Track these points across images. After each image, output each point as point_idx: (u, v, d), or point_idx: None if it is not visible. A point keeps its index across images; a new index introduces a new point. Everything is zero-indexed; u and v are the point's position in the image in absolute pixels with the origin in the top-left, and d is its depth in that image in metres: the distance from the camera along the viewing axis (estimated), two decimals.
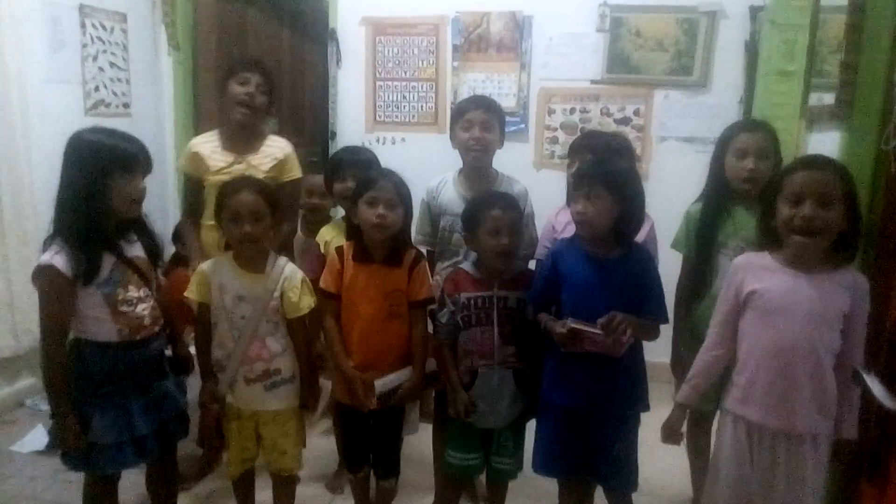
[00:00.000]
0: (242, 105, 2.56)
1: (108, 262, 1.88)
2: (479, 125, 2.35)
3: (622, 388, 1.99)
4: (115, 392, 1.90)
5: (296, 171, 2.72)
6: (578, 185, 1.98)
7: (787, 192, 1.67)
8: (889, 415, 0.99)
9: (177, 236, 3.77)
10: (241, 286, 2.07)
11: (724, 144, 2.26)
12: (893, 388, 0.98)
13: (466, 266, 2.18)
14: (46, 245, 1.85)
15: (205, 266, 2.13)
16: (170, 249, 3.79)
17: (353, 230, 2.18)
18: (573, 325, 1.89)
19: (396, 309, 2.14)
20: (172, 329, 2.13)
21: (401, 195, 2.11)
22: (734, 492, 1.76)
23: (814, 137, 2.57)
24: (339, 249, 2.19)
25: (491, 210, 2.07)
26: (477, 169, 2.42)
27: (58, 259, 1.80)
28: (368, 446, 2.26)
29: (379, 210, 2.06)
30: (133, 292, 1.93)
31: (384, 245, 2.13)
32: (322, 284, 2.17)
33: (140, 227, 2.02)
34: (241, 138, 2.61)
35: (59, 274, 1.79)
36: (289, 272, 2.12)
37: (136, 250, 1.99)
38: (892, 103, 1.91)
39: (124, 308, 1.91)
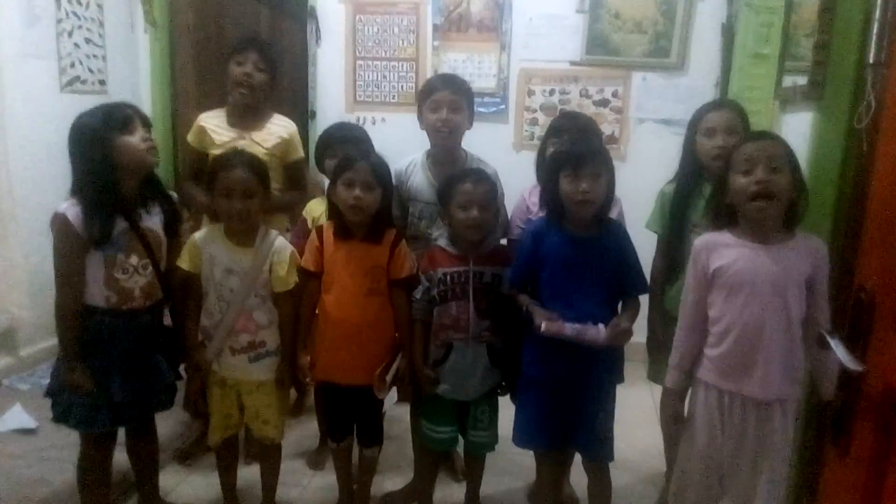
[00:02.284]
0: (241, 86, 2.57)
1: (119, 226, 1.93)
2: (447, 106, 2.32)
3: (601, 360, 2.03)
4: (97, 356, 1.94)
5: (300, 152, 2.75)
6: (581, 165, 1.96)
7: (738, 164, 1.74)
8: (852, 378, 1.03)
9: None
10: (231, 259, 2.09)
11: (694, 125, 2.30)
12: (856, 350, 1.02)
13: (442, 242, 2.21)
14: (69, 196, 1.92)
15: (196, 236, 2.15)
16: None
17: (333, 209, 2.19)
18: (550, 330, 1.93)
19: (376, 286, 2.16)
20: (176, 313, 2.16)
21: (378, 176, 2.12)
22: (705, 457, 1.81)
23: (787, 118, 2.62)
24: (319, 229, 2.21)
25: (462, 184, 2.11)
26: (445, 151, 2.41)
27: (71, 211, 1.87)
28: (351, 418, 2.29)
29: (355, 192, 2.08)
30: (133, 261, 1.96)
31: (364, 223, 2.15)
32: (302, 263, 2.18)
33: (158, 195, 2.06)
34: (246, 116, 2.63)
35: (70, 225, 1.86)
36: (278, 246, 2.14)
37: (152, 223, 2.03)
38: (863, 83, 1.96)
39: (118, 274, 1.94)
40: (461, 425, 2.26)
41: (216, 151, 2.55)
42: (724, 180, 1.78)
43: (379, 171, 2.13)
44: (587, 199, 1.96)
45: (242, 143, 2.54)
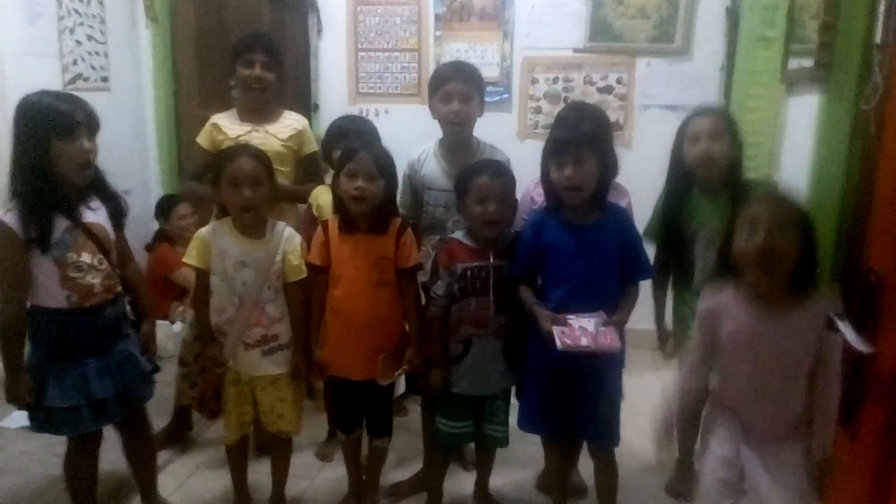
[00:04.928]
0: (252, 90, 2.58)
1: (61, 225, 1.87)
2: (458, 97, 2.31)
3: None
4: (69, 357, 1.91)
5: (314, 144, 2.74)
6: (563, 151, 1.96)
7: (742, 223, 1.62)
8: (861, 360, 1.03)
9: (159, 213, 3.76)
10: (243, 252, 2.09)
11: (680, 134, 2.30)
12: (866, 333, 1.01)
13: (459, 236, 2.17)
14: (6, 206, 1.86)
15: (204, 232, 2.14)
16: (153, 226, 3.80)
17: (338, 201, 2.18)
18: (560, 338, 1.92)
19: (384, 277, 2.15)
20: (137, 306, 2.13)
21: (381, 166, 2.10)
22: (725, 458, 1.73)
23: (793, 101, 2.60)
24: (324, 223, 2.20)
25: (479, 177, 2.07)
26: (458, 141, 2.40)
27: (9, 217, 1.81)
28: (360, 410, 2.29)
29: (358, 182, 2.06)
30: (85, 258, 1.91)
31: (368, 215, 2.13)
32: (308, 258, 2.18)
33: (101, 191, 2.00)
34: (258, 113, 2.64)
35: (10, 231, 1.80)
36: (288, 235, 2.15)
37: (97, 217, 1.97)
38: (870, 63, 1.94)
39: (73, 273, 1.89)
40: (476, 419, 2.23)
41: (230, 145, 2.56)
42: (731, 232, 1.67)
43: (381, 162, 2.12)
44: (572, 186, 1.95)
45: (258, 136, 2.56)
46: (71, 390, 1.91)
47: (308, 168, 2.73)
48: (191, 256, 2.11)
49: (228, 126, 2.61)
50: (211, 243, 2.10)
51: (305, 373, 2.22)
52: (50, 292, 1.88)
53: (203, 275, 2.12)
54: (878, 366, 1.01)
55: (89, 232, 1.92)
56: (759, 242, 1.54)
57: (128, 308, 2.10)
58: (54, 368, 1.90)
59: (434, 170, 2.42)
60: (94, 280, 1.93)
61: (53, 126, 1.80)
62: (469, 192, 2.07)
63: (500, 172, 2.11)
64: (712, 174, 2.22)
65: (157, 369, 2.17)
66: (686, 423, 1.89)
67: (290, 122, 2.67)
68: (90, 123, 1.88)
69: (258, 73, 2.55)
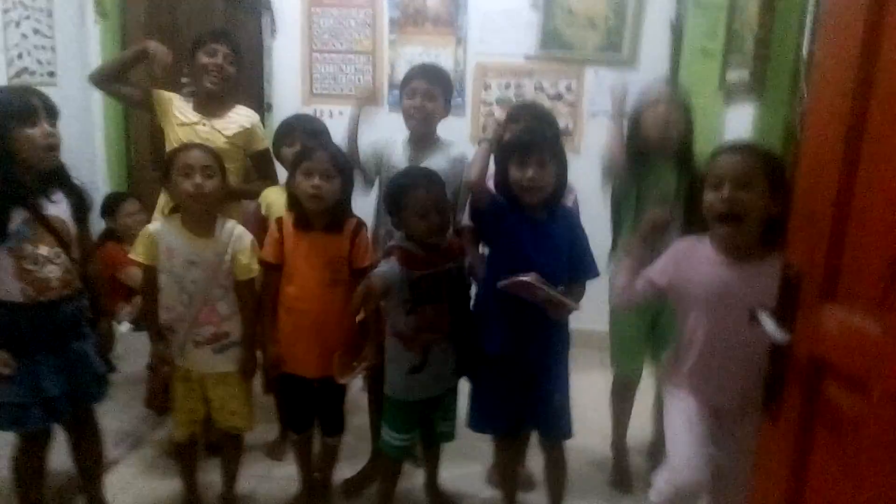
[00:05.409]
0: (211, 75, 2.59)
1: (18, 216, 1.85)
2: (422, 94, 2.42)
3: (552, 337, 2.08)
4: (20, 352, 1.88)
5: (265, 142, 2.75)
6: (527, 152, 2.00)
7: (710, 178, 1.65)
8: (780, 350, 1.11)
9: (105, 211, 3.70)
10: (192, 251, 2.08)
11: (638, 104, 2.42)
12: (785, 324, 1.09)
13: (404, 243, 2.10)
14: None
15: (151, 228, 2.12)
16: (100, 224, 3.73)
17: (293, 199, 2.18)
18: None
19: (338, 276, 2.17)
20: (96, 304, 2.10)
21: (338, 165, 2.13)
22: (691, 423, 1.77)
23: (731, 111, 2.73)
24: (279, 220, 2.20)
25: (415, 191, 2.03)
26: (418, 135, 2.50)
27: None
28: (311, 409, 2.30)
29: (315, 181, 2.08)
30: (42, 251, 1.89)
31: (323, 214, 2.15)
32: (262, 255, 2.18)
33: (65, 184, 1.98)
34: (210, 105, 2.65)
35: None
36: (238, 234, 2.15)
37: (58, 210, 1.94)
38: (799, 77, 2.06)
39: (29, 266, 1.87)
40: (423, 419, 2.24)
41: (175, 128, 2.59)
42: (699, 188, 1.70)
43: (338, 161, 2.14)
44: (533, 187, 2.01)
45: (203, 130, 2.57)
46: (21, 386, 1.88)
47: (259, 165, 2.74)
48: (137, 252, 2.09)
49: (181, 109, 2.63)
50: (158, 240, 2.08)
51: (253, 370, 2.21)
52: (4, 284, 1.85)
53: (150, 271, 2.11)
54: (795, 354, 1.09)
55: (48, 224, 1.90)
56: (724, 195, 1.58)
57: (86, 306, 2.07)
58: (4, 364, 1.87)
59: (400, 156, 2.50)
60: (51, 274, 1.90)
61: (13, 113, 1.80)
62: (407, 207, 2.04)
63: (434, 181, 2.08)
64: (667, 137, 2.32)
65: (113, 369, 2.16)
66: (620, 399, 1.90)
67: (238, 119, 2.67)
68: (48, 109, 1.89)
69: (220, 62, 2.58)
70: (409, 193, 2.04)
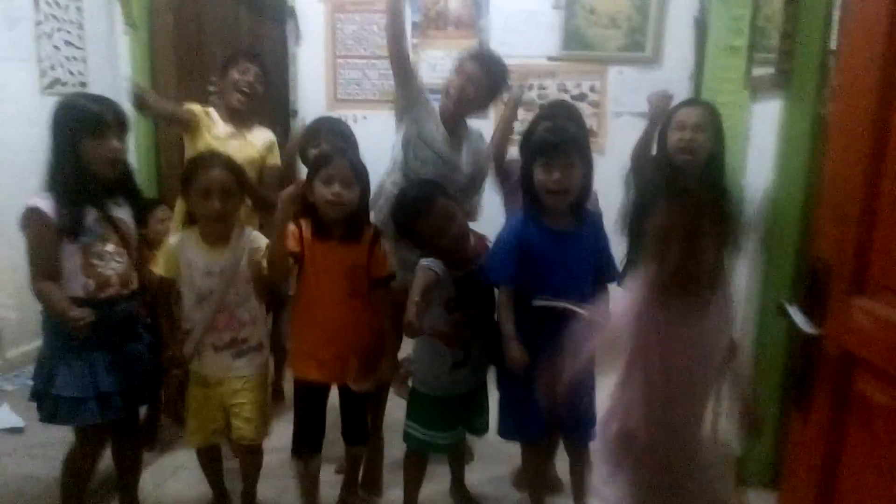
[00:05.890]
0: (241, 92, 2.69)
1: (91, 215, 1.94)
2: (469, 77, 2.35)
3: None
4: (81, 347, 1.92)
5: (279, 159, 2.82)
6: (553, 154, 1.95)
7: (653, 232, 1.49)
8: (808, 343, 1.09)
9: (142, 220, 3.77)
10: (209, 262, 2.07)
11: (666, 122, 2.37)
12: (814, 317, 1.08)
13: (432, 265, 2.04)
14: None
15: (172, 242, 2.14)
16: None
17: (309, 207, 2.09)
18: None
19: (357, 286, 2.11)
20: (152, 307, 2.16)
21: (357, 173, 2.08)
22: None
23: (757, 107, 2.69)
24: (297, 221, 2.11)
25: (426, 216, 2.01)
26: (446, 115, 2.42)
27: (44, 203, 1.87)
28: (323, 426, 2.22)
29: (335, 188, 2.02)
30: (109, 248, 1.96)
31: (342, 221, 2.09)
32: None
33: (128, 192, 2.06)
34: (238, 119, 2.74)
35: (45, 216, 1.86)
36: (253, 237, 2.13)
37: (122, 213, 2.02)
38: (826, 71, 2.04)
39: (95, 261, 1.94)
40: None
41: (206, 141, 2.65)
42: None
43: (357, 168, 2.09)
44: (560, 189, 1.96)
45: (235, 144, 2.65)
46: (80, 381, 1.93)
47: (271, 180, 2.78)
48: (158, 265, 2.12)
49: (215, 121, 2.72)
50: (178, 254, 2.09)
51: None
52: (70, 280, 1.92)
53: (167, 283, 2.12)
54: (826, 348, 1.08)
55: (115, 224, 1.98)
56: (674, 261, 1.43)
57: (141, 307, 2.13)
58: (65, 358, 1.92)
59: (434, 130, 2.41)
60: (113, 271, 1.97)
61: (84, 126, 1.89)
62: (422, 233, 2.04)
63: (436, 192, 2.07)
64: (692, 162, 2.28)
65: (163, 371, 2.18)
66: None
67: (263, 134, 2.80)
68: (120, 124, 1.96)
69: (251, 80, 2.69)
70: (420, 221, 2.03)
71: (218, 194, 2.01)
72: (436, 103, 2.48)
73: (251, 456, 2.26)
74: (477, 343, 2.13)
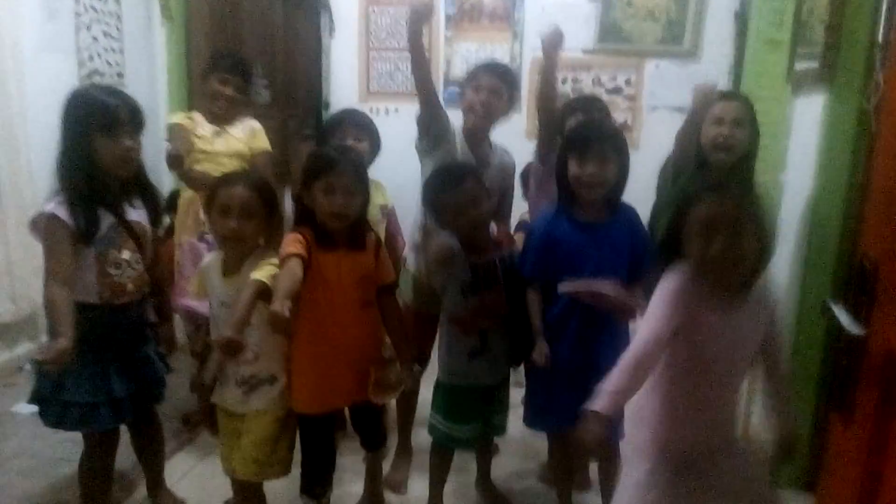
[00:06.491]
0: (219, 102, 2.75)
1: (106, 220, 1.88)
2: (488, 89, 2.34)
3: (610, 343, 2.04)
4: (92, 352, 1.87)
5: (266, 144, 2.86)
6: (588, 147, 1.95)
7: (699, 225, 1.50)
8: (853, 343, 1.05)
9: (170, 206, 3.81)
10: (223, 291, 1.95)
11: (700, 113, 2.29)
12: (859, 317, 1.04)
13: (448, 238, 2.08)
14: (51, 197, 1.85)
15: (204, 263, 2.06)
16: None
17: (306, 214, 1.96)
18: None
19: (368, 295, 2.02)
20: (162, 303, 2.14)
21: (360, 180, 1.96)
22: None
23: (798, 102, 2.62)
24: (303, 233, 1.95)
25: (451, 191, 2.03)
26: (474, 131, 2.41)
27: (60, 209, 1.80)
28: (334, 461, 2.11)
29: (338, 200, 1.89)
30: (125, 255, 1.92)
31: (345, 230, 1.97)
32: (293, 249, 1.84)
33: (144, 191, 2.01)
34: (219, 121, 2.79)
35: (63, 223, 1.79)
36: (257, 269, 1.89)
37: (137, 215, 1.98)
38: (872, 63, 1.97)
39: (111, 269, 1.90)
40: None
41: (194, 140, 2.73)
42: (678, 225, 1.56)
43: (360, 174, 1.98)
44: (593, 183, 1.95)
45: (220, 141, 2.74)
46: (91, 386, 1.89)
47: (260, 166, 2.79)
48: (195, 287, 2.07)
49: (200, 121, 2.78)
50: (206, 277, 2.00)
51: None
52: (85, 287, 1.87)
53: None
54: (871, 348, 1.04)
55: (131, 230, 1.93)
56: (717, 251, 1.45)
57: (148, 308, 2.10)
58: (77, 363, 1.80)
59: (457, 147, 2.41)
60: (129, 279, 1.94)
61: (96, 122, 1.82)
62: (446, 208, 2.05)
63: (467, 174, 2.07)
64: (728, 159, 2.21)
65: (170, 370, 2.17)
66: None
67: (244, 124, 2.83)
68: (134, 121, 1.89)
69: (230, 94, 2.74)
70: (445, 194, 2.04)
71: (237, 212, 1.87)
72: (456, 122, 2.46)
73: (243, 493, 2.07)
74: (496, 335, 2.11)
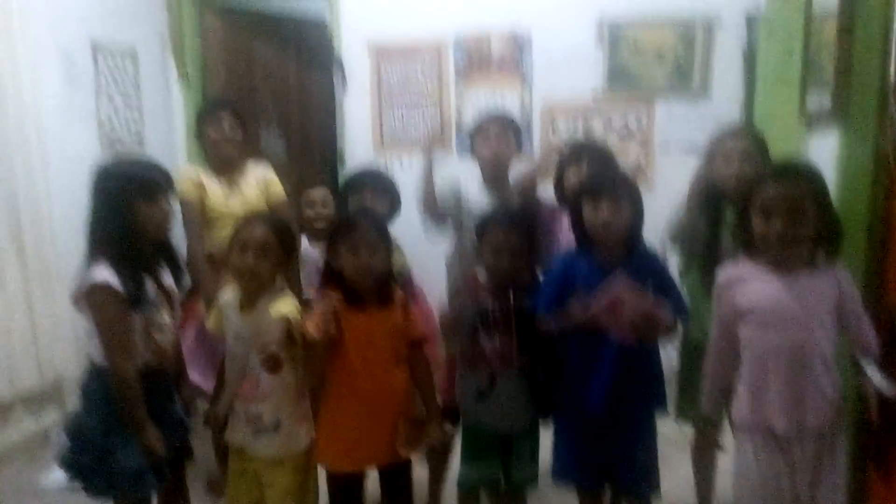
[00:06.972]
0: (217, 149, 2.76)
1: (148, 283, 1.94)
2: (496, 137, 2.57)
3: (640, 387, 2.01)
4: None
5: (281, 192, 2.87)
6: (599, 193, 1.98)
7: (758, 205, 1.69)
8: (890, 403, 1.02)
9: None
10: (239, 326, 2.00)
11: (712, 152, 2.29)
12: (892, 375, 1.01)
13: (480, 274, 2.15)
14: (88, 267, 1.88)
15: (222, 298, 2.09)
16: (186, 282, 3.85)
17: (335, 276, 2.03)
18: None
19: (400, 351, 2.05)
20: (179, 363, 2.16)
21: (382, 234, 2.04)
22: (764, 499, 1.73)
23: (814, 140, 2.61)
24: (328, 295, 2.00)
25: (494, 229, 2.08)
26: (493, 178, 2.61)
27: (106, 275, 1.84)
28: None
29: (362, 256, 1.96)
30: (165, 318, 1.97)
31: (372, 286, 2.03)
32: (317, 332, 1.89)
33: (168, 255, 2.07)
34: (226, 170, 2.79)
35: (115, 291, 1.83)
36: (277, 301, 1.97)
37: (167, 278, 2.04)
38: (886, 102, 1.96)
39: (155, 333, 1.94)
40: (503, 462, 2.17)
41: (210, 205, 2.72)
42: (746, 210, 1.75)
43: (381, 228, 2.06)
44: (608, 226, 1.97)
45: (236, 202, 2.72)
46: (138, 452, 1.88)
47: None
48: (209, 320, 2.11)
49: (207, 182, 2.75)
50: (223, 310, 2.06)
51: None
52: (137, 351, 1.90)
53: (216, 338, 2.14)
54: None
55: (167, 293, 1.99)
56: (779, 228, 1.61)
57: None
58: (123, 431, 1.87)
59: (477, 199, 2.61)
60: (168, 342, 1.98)
61: (137, 190, 1.91)
62: (485, 243, 2.10)
63: (515, 224, 2.10)
64: (742, 178, 2.16)
65: (190, 431, 2.17)
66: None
67: (255, 173, 2.83)
68: (169, 185, 2.00)
69: (226, 135, 2.73)
70: (489, 231, 2.10)
71: (254, 250, 1.93)
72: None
73: None
74: (508, 381, 2.09)
